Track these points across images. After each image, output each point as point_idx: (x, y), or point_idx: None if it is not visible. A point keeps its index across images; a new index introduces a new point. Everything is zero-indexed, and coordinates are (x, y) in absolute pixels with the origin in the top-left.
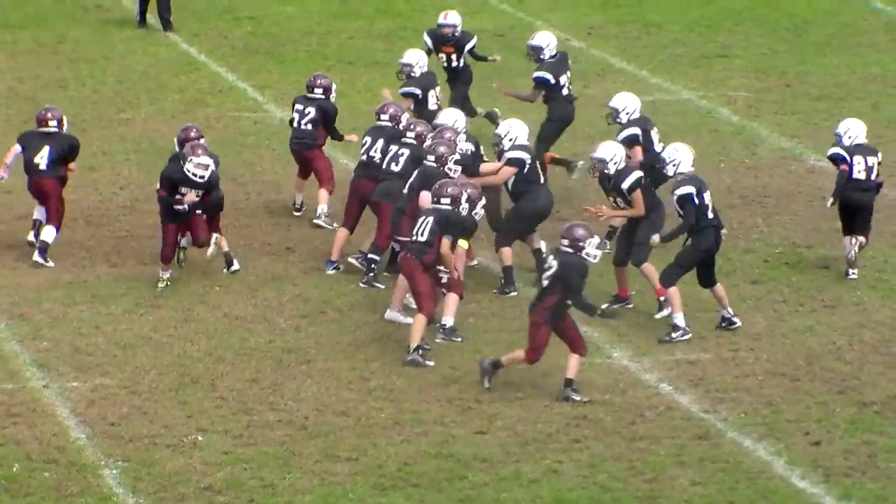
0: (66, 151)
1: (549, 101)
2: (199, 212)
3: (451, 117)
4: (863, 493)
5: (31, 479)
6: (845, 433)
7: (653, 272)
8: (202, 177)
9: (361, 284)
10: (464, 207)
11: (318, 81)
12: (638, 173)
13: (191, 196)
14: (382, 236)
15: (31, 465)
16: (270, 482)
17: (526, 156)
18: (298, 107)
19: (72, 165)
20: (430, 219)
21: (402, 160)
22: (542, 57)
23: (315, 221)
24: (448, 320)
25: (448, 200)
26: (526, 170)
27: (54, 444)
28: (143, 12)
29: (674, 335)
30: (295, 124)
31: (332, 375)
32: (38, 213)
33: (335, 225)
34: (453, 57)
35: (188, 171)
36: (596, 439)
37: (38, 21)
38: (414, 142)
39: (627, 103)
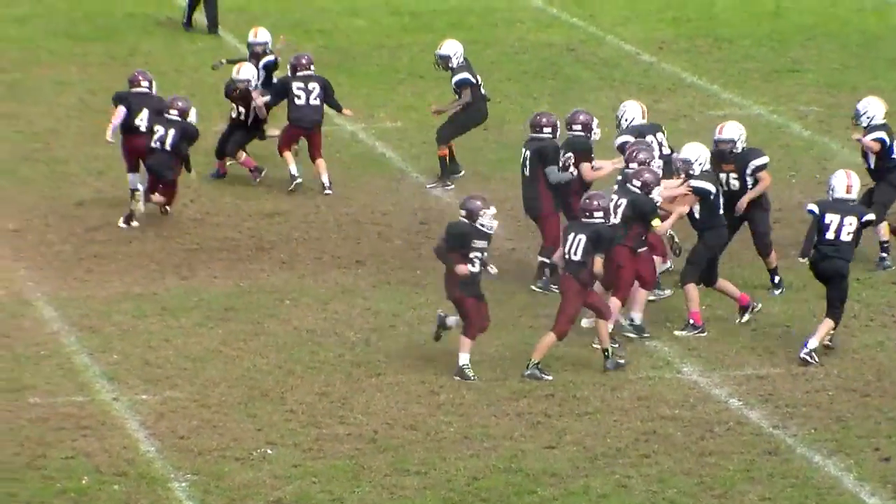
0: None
1: (470, 102)
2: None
3: (696, 153)
4: None
5: (101, 491)
6: None
7: (727, 286)
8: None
9: (534, 288)
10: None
11: (176, 104)
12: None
13: None
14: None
15: (100, 477)
16: (339, 496)
17: (711, 187)
18: (159, 127)
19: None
20: (582, 236)
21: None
22: (451, 65)
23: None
24: (636, 316)
25: (600, 214)
26: (710, 199)
27: (124, 457)
28: (190, 14)
29: (688, 331)
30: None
31: (402, 389)
32: (133, 180)
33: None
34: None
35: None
36: (665, 454)
37: (110, 33)
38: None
39: (627, 110)
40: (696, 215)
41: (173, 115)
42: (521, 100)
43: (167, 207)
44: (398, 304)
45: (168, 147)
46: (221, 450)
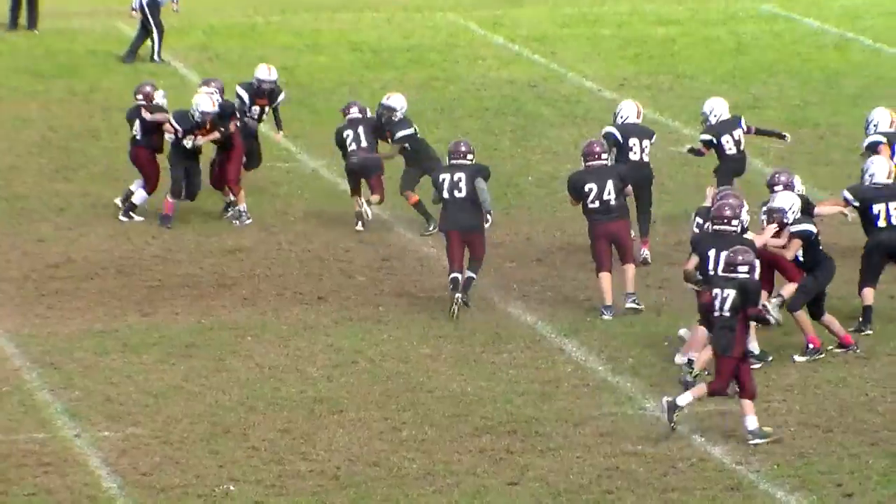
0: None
1: (416, 152)
2: None
3: (788, 201)
4: None
5: None
6: (878, 485)
7: (832, 321)
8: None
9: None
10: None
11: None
12: (809, 227)
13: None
14: None
15: None
16: None
17: (812, 227)
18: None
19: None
20: (732, 292)
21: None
22: (394, 117)
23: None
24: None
25: (745, 269)
26: (812, 240)
27: (86, 494)
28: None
29: (809, 356)
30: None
31: (364, 426)
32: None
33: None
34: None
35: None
36: (628, 490)
37: (71, 70)
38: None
39: (623, 108)
40: (801, 258)
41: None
42: (482, 136)
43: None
44: (360, 341)
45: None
46: (184, 486)
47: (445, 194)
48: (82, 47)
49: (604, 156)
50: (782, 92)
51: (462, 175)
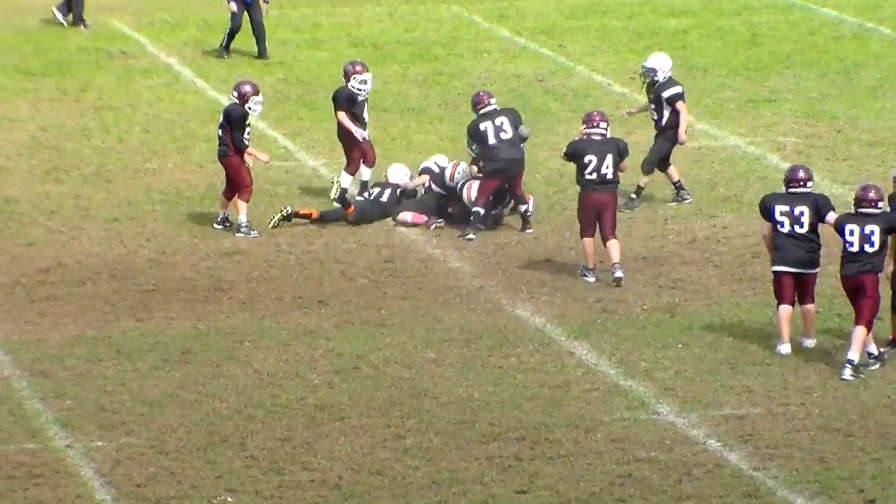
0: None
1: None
2: None
3: None
4: None
5: None
6: None
7: None
8: None
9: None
10: None
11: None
12: None
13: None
14: None
15: None
16: None
17: None
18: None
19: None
20: (875, 227)
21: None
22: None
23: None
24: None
25: (883, 204)
26: None
27: None
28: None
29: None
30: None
31: (367, 433)
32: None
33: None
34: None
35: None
36: (642, 499)
37: (62, 68)
38: None
39: (659, 62)
40: None
41: None
42: None
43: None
44: (362, 346)
45: None
46: (179, 498)
47: (492, 139)
48: (73, 44)
49: (602, 125)
50: (799, 84)
51: (504, 119)
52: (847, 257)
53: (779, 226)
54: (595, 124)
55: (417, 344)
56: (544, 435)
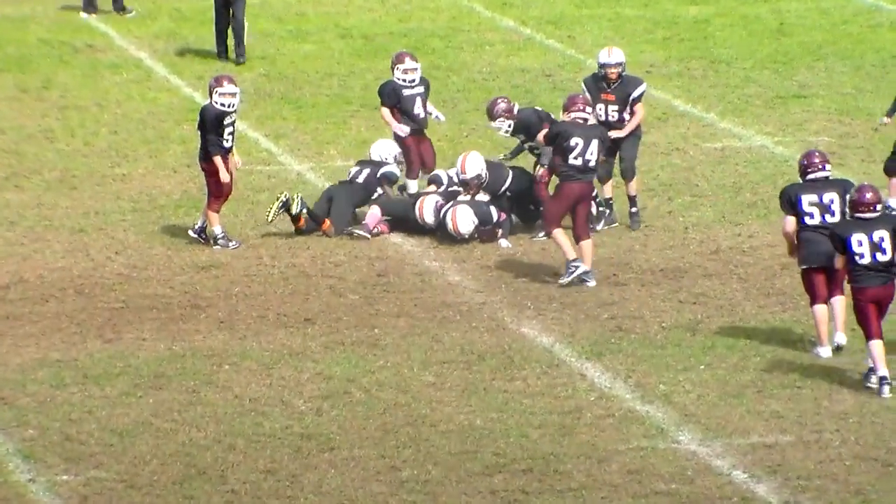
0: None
1: None
2: None
3: None
4: None
5: None
6: None
7: None
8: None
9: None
10: None
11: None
12: None
13: None
14: None
15: None
16: None
17: None
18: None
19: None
20: (885, 233)
21: None
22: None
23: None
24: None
25: (881, 206)
26: None
27: None
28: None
29: None
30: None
31: (359, 465)
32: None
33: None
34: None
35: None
36: None
37: (21, 64)
38: None
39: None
40: None
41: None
42: (490, 132)
43: None
44: (353, 368)
45: None
46: None
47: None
48: (34, 36)
49: (587, 109)
50: (831, 78)
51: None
52: (858, 270)
53: (807, 217)
54: (580, 108)
55: (414, 366)
56: (553, 466)
